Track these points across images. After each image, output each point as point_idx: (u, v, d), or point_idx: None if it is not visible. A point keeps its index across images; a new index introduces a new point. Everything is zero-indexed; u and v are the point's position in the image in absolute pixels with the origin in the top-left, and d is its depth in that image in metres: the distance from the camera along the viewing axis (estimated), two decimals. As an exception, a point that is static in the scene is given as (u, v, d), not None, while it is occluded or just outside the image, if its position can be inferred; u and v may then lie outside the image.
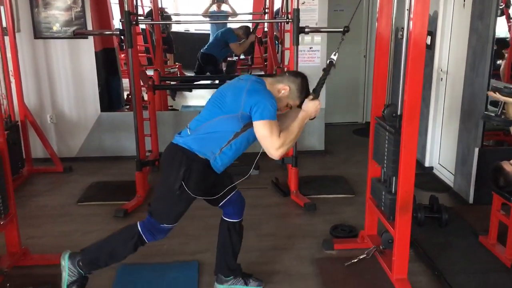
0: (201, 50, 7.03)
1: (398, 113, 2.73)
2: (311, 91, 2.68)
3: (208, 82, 7.42)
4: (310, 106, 2.57)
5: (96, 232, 3.61)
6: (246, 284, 2.89)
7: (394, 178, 2.81)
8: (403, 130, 2.53)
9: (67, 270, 2.62)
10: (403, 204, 2.63)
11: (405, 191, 2.62)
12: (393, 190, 2.84)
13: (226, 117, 2.47)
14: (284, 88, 2.55)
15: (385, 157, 2.82)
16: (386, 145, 2.78)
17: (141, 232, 2.59)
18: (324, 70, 2.72)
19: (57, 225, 3.80)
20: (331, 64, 2.71)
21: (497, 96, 2.88)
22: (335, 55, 2.71)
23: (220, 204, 2.75)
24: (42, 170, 4.99)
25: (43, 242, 3.50)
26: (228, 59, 9.37)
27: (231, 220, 2.80)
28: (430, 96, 4.79)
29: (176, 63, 8.77)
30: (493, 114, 3.01)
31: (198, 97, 7.58)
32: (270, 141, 2.42)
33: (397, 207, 2.66)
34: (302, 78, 2.60)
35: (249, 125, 2.48)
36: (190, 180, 2.49)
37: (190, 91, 7.98)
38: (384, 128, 2.84)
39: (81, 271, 2.63)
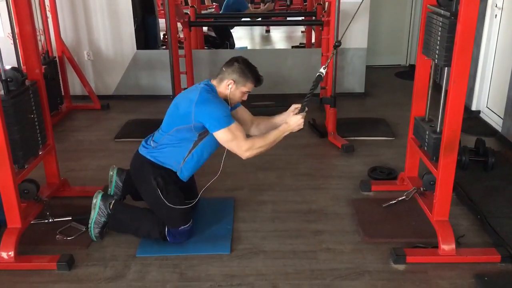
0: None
1: None
2: (300, 106, 2.66)
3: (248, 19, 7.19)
4: (293, 121, 2.63)
5: (133, 167, 3.64)
6: None
7: (440, 116, 2.65)
8: (461, 14, 2.26)
9: (97, 209, 2.69)
10: (448, 143, 2.48)
11: (452, 130, 2.46)
12: (438, 129, 2.70)
13: (181, 128, 2.58)
14: (229, 83, 2.60)
15: (438, 46, 2.56)
16: (440, 32, 2.53)
17: (166, 234, 2.68)
18: (313, 82, 2.69)
19: (95, 159, 3.86)
20: (319, 79, 2.67)
21: None
22: (324, 69, 2.69)
23: None
24: (81, 107, 5.05)
25: (82, 175, 3.57)
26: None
27: None
28: (482, 35, 4.48)
29: (214, 3, 8.57)
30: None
31: (236, 38, 7.40)
32: (236, 144, 2.54)
33: (441, 147, 2.52)
34: (237, 62, 2.62)
35: (205, 133, 2.59)
36: (165, 184, 2.65)
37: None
38: (438, 14, 2.59)
39: (110, 212, 2.70)
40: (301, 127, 2.64)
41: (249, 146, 2.56)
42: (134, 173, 2.79)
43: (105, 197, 2.73)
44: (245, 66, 2.62)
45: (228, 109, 2.58)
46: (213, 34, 6.92)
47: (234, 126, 2.53)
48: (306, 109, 2.66)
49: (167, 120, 2.68)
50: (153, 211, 2.73)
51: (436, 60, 2.62)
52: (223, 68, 2.64)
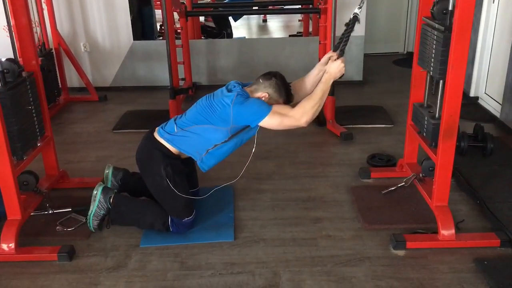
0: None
1: (450, 8, 2.44)
2: (334, 48, 2.60)
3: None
4: (333, 67, 2.52)
5: (131, 158, 3.58)
6: None
7: (438, 102, 2.65)
8: (455, 27, 2.25)
9: (97, 202, 2.68)
10: (447, 129, 2.48)
11: (450, 115, 2.46)
12: (436, 115, 2.69)
13: (215, 127, 2.53)
14: (263, 96, 2.56)
15: (432, 59, 2.56)
16: (434, 45, 2.53)
17: (169, 224, 2.68)
18: (346, 25, 2.59)
19: (94, 151, 3.86)
20: (355, 19, 2.56)
21: None
22: (359, 9, 2.55)
23: None
24: (78, 99, 5.04)
25: (81, 167, 3.57)
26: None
27: None
28: (480, 21, 4.46)
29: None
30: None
31: (234, 28, 7.36)
32: (288, 119, 2.46)
33: (440, 132, 2.52)
34: (275, 77, 2.58)
35: (237, 133, 2.56)
36: (173, 174, 2.61)
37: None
38: (432, 27, 2.59)
39: (109, 206, 2.69)
40: (343, 72, 2.53)
41: (301, 112, 2.44)
42: (142, 160, 2.71)
43: (106, 190, 2.72)
44: (281, 83, 2.58)
45: (263, 101, 2.54)
46: (210, 24, 6.88)
47: (274, 107, 2.48)
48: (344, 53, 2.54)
49: (197, 115, 2.59)
50: (157, 201, 2.71)
51: (431, 73, 2.63)
52: (260, 80, 2.59)
